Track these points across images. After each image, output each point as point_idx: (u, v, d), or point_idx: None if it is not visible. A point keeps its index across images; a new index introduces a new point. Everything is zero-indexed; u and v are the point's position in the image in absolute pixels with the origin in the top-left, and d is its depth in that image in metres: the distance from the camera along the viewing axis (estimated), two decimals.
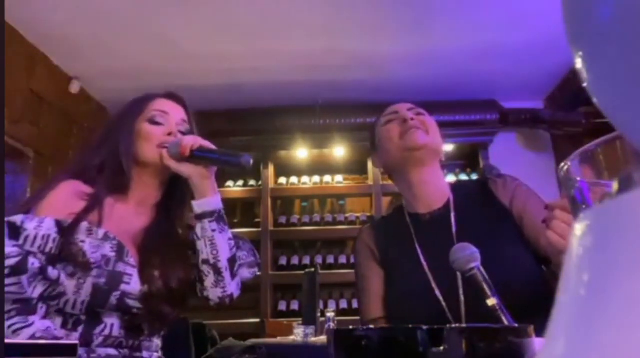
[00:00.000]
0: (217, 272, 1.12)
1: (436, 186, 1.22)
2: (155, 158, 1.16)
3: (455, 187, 1.25)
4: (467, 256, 0.86)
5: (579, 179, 0.24)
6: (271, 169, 3.65)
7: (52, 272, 0.99)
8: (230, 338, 1.33)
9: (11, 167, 2.80)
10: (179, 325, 1.32)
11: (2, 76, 0.82)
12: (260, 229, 3.47)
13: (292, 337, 1.86)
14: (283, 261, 3.48)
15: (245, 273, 1.23)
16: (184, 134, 1.21)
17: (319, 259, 3.43)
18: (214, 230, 1.12)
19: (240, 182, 3.70)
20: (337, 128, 3.47)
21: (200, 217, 1.13)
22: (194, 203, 1.14)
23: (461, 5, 2.61)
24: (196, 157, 1.13)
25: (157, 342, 1.14)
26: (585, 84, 0.19)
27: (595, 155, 0.24)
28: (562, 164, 0.25)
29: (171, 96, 1.28)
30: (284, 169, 3.77)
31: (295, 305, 3.33)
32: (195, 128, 1.28)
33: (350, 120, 3.45)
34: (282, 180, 3.71)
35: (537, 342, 0.40)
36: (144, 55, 2.97)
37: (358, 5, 2.59)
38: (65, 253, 1.01)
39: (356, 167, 3.74)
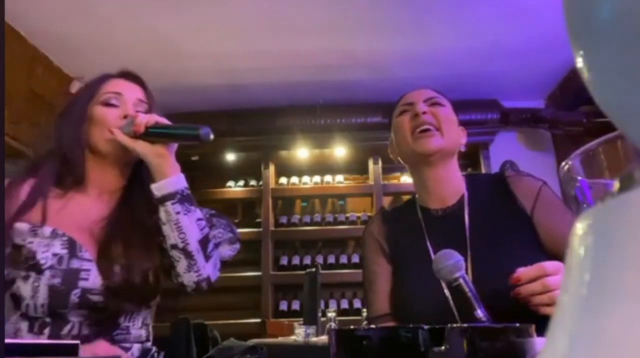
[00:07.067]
0: (188, 256, 1.05)
1: (450, 182, 1.17)
2: (108, 144, 1.09)
3: (471, 183, 1.19)
4: (451, 265, 0.82)
5: (580, 178, 0.24)
6: (272, 169, 3.65)
7: None
8: (232, 338, 1.33)
9: (12, 167, 2.80)
10: (180, 325, 1.32)
11: (3, 76, 0.82)
12: (261, 229, 3.48)
13: (293, 337, 1.86)
14: (284, 261, 3.49)
15: (227, 251, 1.17)
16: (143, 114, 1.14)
17: (319, 259, 3.43)
18: (177, 213, 1.04)
19: (241, 182, 3.70)
20: (338, 128, 3.47)
21: (162, 200, 1.05)
22: (153, 186, 1.06)
23: (462, 5, 2.60)
24: (151, 134, 1.06)
25: (138, 332, 1.09)
26: (586, 83, 0.19)
27: (596, 154, 0.24)
28: (563, 163, 0.25)
29: (126, 75, 1.19)
30: (284, 169, 3.77)
31: (296, 305, 3.33)
32: (156, 107, 1.20)
33: (350, 120, 3.45)
34: (283, 180, 3.71)
35: (538, 342, 0.40)
36: (144, 55, 2.97)
37: (358, 5, 2.59)
38: (14, 257, 0.97)
39: (357, 167, 3.74)
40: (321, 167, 3.75)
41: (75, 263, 1.00)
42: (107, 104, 1.11)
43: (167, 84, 3.25)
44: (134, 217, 1.10)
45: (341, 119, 3.46)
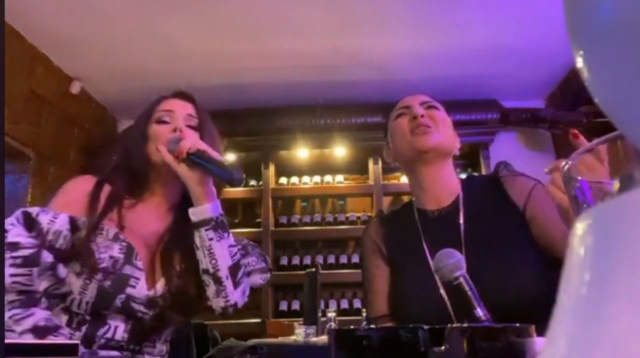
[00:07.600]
0: (218, 281, 1.08)
1: (446, 183, 1.19)
2: (160, 157, 1.13)
3: (466, 183, 1.22)
4: (452, 264, 0.82)
5: (580, 178, 0.24)
6: (272, 169, 3.64)
7: (62, 271, 0.98)
8: (232, 338, 1.33)
9: (11, 167, 2.80)
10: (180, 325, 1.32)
11: (3, 76, 0.82)
12: (261, 229, 3.47)
13: (293, 337, 1.86)
14: (284, 261, 3.49)
15: (257, 279, 1.22)
16: (194, 128, 1.20)
17: (319, 259, 3.43)
18: (210, 239, 1.08)
19: None
20: (338, 128, 3.47)
21: (197, 225, 1.09)
22: (190, 210, 1.10)
23: (462, 5, 2.60)
24: (191, 160, 1.09)
25: (161, 347, 1.12)
26: (586, 83, 0.19)
27: (596, 154, 0.24)
28: (563, 163, 0.25)
29: (178, 94, 1.27)
30: (284, 169, 3.77)
31: (296, 305, 3.33)
32: (209, 121, 1.27)
33: (350, 120, 3.45)
34: (283, 180, 3.71)
35: (538, 342, 0.40)
36: (144, 55, 2.97)
37: (358, 5, 2.59)
38: (76, 251, 1.01)
39: (357, 167, 3.74)
40: (321, 167, 3.75)
41: (127, 270, 1.04)
42: (160, 122, 1.19)
43: (167, 84, 3.24)
44: (187, 234, 1.14)
45: (341, 119, 3.46)
